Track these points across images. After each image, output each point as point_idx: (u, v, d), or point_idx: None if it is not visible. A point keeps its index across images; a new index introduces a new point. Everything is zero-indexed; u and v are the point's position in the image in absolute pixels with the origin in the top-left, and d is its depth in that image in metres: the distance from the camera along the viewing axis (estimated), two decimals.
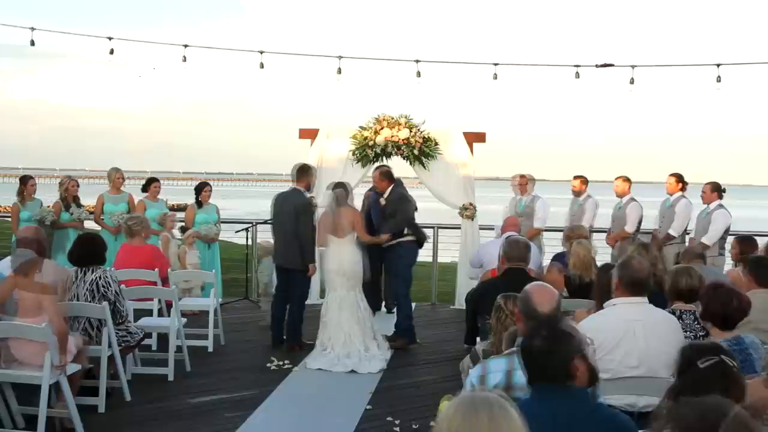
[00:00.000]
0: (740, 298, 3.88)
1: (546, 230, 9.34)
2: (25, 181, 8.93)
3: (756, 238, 6.78)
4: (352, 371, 6.58)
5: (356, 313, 6.94)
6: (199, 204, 9.34)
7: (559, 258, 6.91)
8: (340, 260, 6.98)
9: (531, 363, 2.62)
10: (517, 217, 8.93)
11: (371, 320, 7.14)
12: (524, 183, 9.30)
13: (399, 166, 9.33)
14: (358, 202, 7.95)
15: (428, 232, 10.16)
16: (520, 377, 3.02)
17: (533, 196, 9.26)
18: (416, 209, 7.92)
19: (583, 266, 5.90)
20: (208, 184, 9.67)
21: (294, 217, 7.23)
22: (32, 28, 10.00)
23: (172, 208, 10.88)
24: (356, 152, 9.40)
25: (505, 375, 3.07)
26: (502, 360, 3.16)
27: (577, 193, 9.29)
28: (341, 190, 7.10)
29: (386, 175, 7.97)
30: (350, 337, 6.84)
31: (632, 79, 9.71)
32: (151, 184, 9.42)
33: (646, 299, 4.06)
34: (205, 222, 9.19)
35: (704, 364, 2.53)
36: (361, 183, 9.74)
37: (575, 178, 9.35)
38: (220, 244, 9.82)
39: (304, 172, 7.47)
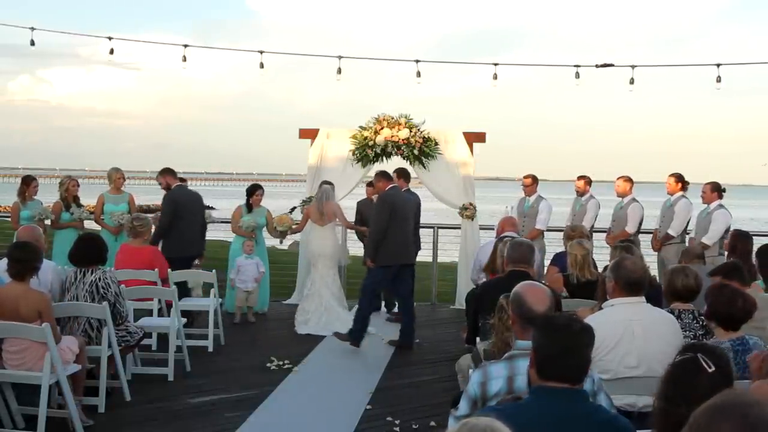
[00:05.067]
0: (746, 298, 3.87)
1: (548, 230, 9.32)
2: (29, 181, 8.90)
3: (756, 238, 6.80)
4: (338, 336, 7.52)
5: (332, 287, 8.35)
6: (249, 207, 9.04)
7: (558, 258, 6.91)
8: (322, 244, 8.36)
9: (565, 345, 2.54)
10: (520, 217, 8.94)
11: (343, 295, 8.55)
12: (529, 183, 9.29)
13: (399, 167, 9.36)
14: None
15: (428, 231, 10.22)
16: (522, 382, 2.99)
17: (538, 196, 9.26)
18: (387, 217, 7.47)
19: (580, 266, 5.91)
20: (260, 186, 9.27)
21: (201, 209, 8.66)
22: (32, 28, 10.00)
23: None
24: (356, 152, 9.41)
25: (506, 381, 3.04)
26: (503, 365, 3.12)
27: (580, 193, 9.28)
28: (328, 186, 8.47)
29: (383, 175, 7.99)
30: (329, 302, 8.21)
31: (632, 79, 9.71)
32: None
33: (643, 299, 4.06)
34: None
35: (676, 360, 2.51)
36: (361, 183, 9.77)
37: (579, 178, 9.33)
38: (217, 244, 9.82)
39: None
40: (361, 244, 9.15)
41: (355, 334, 7.44)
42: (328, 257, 8.37)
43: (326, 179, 8.83)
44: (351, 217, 9.37)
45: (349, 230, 9.53)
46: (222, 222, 10.79)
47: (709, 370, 2.38)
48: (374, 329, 8.08)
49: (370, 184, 9.32)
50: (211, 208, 10.64)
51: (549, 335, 2.60)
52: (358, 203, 9.49)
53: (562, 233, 7.75)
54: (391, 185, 7.71)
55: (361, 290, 7.64)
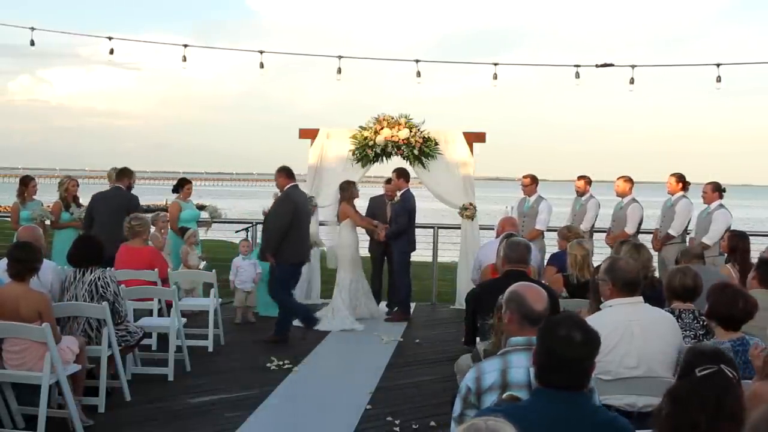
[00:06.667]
0: (747, 299, 3.88)
1: (548, 230, 9.32)
2: (27, 182, 8.90)
3: (757, 238, 6.81)
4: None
5: (343, 292, 8.50)
6: None
7: (556, 257, 6.90)
8: (337, 244, 8.69)
9: (562, 357, 2.53)
10: (520, 217, 8.93)
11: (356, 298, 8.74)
12: (528, 183, 9.28)
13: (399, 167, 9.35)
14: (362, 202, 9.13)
15: (428, 232, 10.22)
16: (515, 374, 3.00)
17: (538, 196, 9.25)
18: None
19: (580, 266, 5.92)
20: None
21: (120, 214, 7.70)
22: (32, 28, 9.99)
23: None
24: (356, 152, 9.41)
25: (499, 374, 3.05)
26: (496, 360, 3.14)
27: (580, 193, 9.28)
28: (342, 188, 8.59)
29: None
30: (335, 302, 8.49)
31: (632, 79, 9.71)
32: (184, 185, 9.33)
33: (641, 299, 4.06)
34: None
35: (702, 373, 2.49)
36: (359, 183, 9.76)
37: (579, 178, 9.33)
38: (218, 244, 9.80)
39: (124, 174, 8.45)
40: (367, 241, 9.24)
41: (280, 326, 7.62)
42: (342, 258, 8.59)
43: (326, 178, 8.90)
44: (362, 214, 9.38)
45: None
46: (225, 222, 10.77)
47: (734, 380, 2.49)
48: (362, 326, 8.18)
49: (388, 182, 9.30)
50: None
51: (548, 345, 2.57)
52: (371, 199, 9.50)
53: None
54: (291, 183, 7.81)
55: (272, 293, 7.84)
